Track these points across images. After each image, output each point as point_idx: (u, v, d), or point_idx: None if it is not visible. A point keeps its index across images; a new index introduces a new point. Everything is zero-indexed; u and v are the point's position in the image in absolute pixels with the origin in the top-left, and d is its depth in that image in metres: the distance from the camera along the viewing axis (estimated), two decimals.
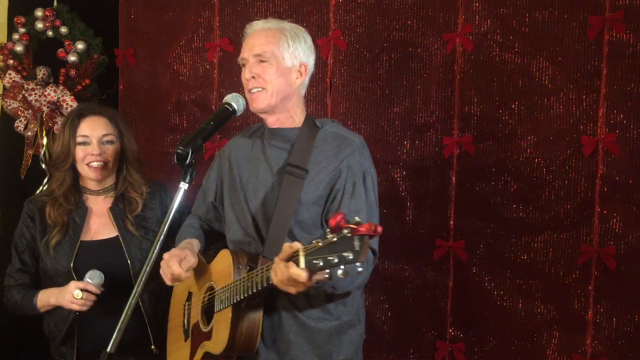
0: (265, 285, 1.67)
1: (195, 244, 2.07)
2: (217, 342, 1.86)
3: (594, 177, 2.40)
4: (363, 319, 2.05)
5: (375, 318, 2.82)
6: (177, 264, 1.88)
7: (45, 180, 3.26)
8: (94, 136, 2.25)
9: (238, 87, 3.01)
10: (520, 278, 2.54)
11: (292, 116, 1.97)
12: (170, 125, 3.23)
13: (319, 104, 2.87)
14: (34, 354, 3.32)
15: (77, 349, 2.21)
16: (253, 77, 1.92)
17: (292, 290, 1.59)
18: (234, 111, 1.88)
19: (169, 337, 2.22)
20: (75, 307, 2.12)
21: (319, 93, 2.88)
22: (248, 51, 1.95)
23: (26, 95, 3.20)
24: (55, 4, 3.30)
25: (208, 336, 1.93)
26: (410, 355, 2.77)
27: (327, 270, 1.46)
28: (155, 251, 1.66)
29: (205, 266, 2.04)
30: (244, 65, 1.97)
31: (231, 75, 3.07)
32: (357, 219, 1.42)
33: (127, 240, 2.24)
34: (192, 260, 1.93)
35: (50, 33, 3.27)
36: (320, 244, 1.45)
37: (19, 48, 3.25)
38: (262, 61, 1.91)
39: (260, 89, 1.91)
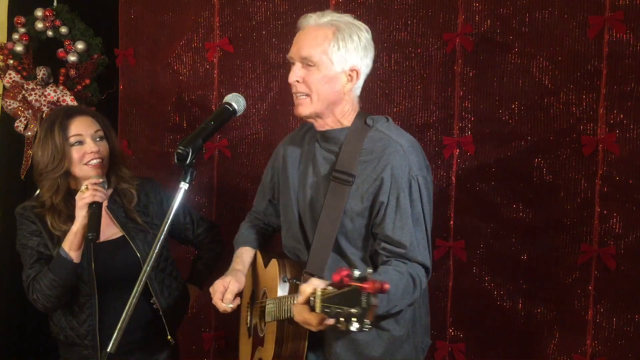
0: (291, 317, 1.65)
1: (247, 254, 2.07)
2: (266, 354, 1.88)
3: (594, 177, 2.40)
4: (419, 330, 1.95)
5: None
6: (219, 302, 1.91)
7: None
8: (87, 134, 2.22)
9: (238, 87, 3.04)
10: (520, 278, 2.54)
11: (340, 120, 1.85)
12: (170, 125, 3.23)
13: None
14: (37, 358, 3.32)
15: (100, 349, 2.19)
16: (297, 81, 1.79)
17: (313, 329, 1.57)
18: (234, 111, 1.87)
19: (240, 328, 2.26)
20: (87, 199, 2.07)
21: None
22: (296, 51, 1.79)
23: (26, 95, 3.20)
24: (55, 4, 3.30)
25: (262, 342, 1.96)
26: None
27: (342, 319, 1.38)
28: (156, 251, 1.66)
29: (262, 269, 2.06)
30: (292, 63, 1.82)
31: (231, 75, 3.07)
32: (357, 273, 1.34)
33: (132, 237, 2.24)
34: (235, 288, 1.93)
35: (50, 33, 3.27)
36: (334, 291, 1.40)
37: (19, 48, 3.25)
38: (308, 65, 1.76)
39: (304, 95, 1.79)
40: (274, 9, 2.95)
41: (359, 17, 2.74)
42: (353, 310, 1.33)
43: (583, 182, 2.42)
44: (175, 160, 1.69)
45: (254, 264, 2.13)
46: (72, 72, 3.24)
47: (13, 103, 3.24)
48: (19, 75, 3.24)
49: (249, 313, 2.18)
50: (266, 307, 1.92)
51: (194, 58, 3.15)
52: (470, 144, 2.59)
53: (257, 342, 2.03)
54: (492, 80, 2.56)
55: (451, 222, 2.64)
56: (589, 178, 2.41)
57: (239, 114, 1.89)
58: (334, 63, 1.76)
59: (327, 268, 1.76)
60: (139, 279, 1.67)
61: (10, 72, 3.24)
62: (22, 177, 3.33)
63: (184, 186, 1.68)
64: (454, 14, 2.61)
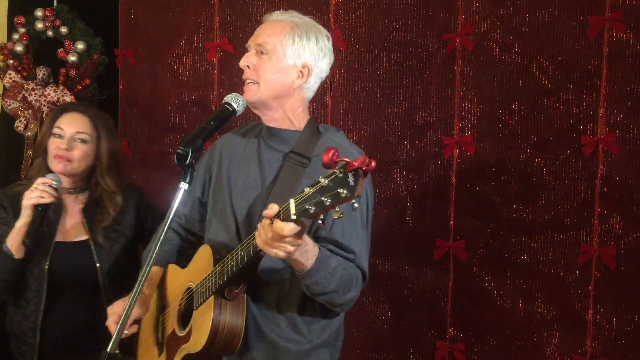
0: (251, 254, 1.55)
1: (155, 275, 1.98)
2: (198, 338, 1.74)
3: (594, 177, 2.40)
4: (339, 345, 1.88)
5: (375, 318, 2.82)
6: (113, 325, 1.84)
7: None
8: (68, 132, 2.22)
9: (238, 87, 3.02)
10: (520, 278, 2.54)
11: (290, 118, 1.84)
12: (170, 125, 3.23)
13: (319, 104, 2.87)
14: None
15: (39, 347, 2.19)
16: (248, 67, 1.81)
17: (281, 253, 1.45)
18: (234, 111, 1.86)
19: (141, 357, 2.07)
20: (32, 200, 2.06)
21: (319, 93, 2.84)
22: (253, 39, 1.81)
23: (26, 95, 3.20)
24: (55, 4, 3.30)
25: (187, 338, 1.81)
26: (410, 355, 2.77)
27: (321, 217, 1.33)
28: (156, 250, 1.65)
29: (180, 273, 1.96)
30: (248, 51, 1.85)
31: (231, 75, 3.07)
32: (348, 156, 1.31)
33: (96, 244, 2.22)
34: (136, 314, 1.87)
35: (50, 33, 3.27)
36: (310, 190, 1.33)
37: (19, 48, 3.25)
38: (262, 52, 1.78)
39: (253, 82, 1.81)
40: (274, 9, 2.94)
41: (358, 17, 2.79)
42: (340, 191, 1.28)
43: (583, 182, 2.42)
44: (175, 161, 1.68)
45: (162, 281, 2.02)
46: (72, 72, 3.24)
47: (13, 103, 3.24)
48: (19, 75, 3.25)
49: (159, 330, 2.00)
50: (195, 293, 1.80)
51: (194, 58, 3.15)
52: (470, 144, 2.59)
53: (178, 345, 1.85)
54: (492, 80, 2.56)
55: (451, 222, 2.64)
56: (589, 178, 2.41)
57: (239, 114, 1.87)
58: (287, 56, 1.77)
59: None
60: (139, 280, 1.66)
61: (10, 72, 3.24)
62: (22, 177, 3.33)
63: (183, 186, 1.67)
64: (454, 14, 2.61)
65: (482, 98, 2.58)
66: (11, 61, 3.28)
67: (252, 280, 1.71)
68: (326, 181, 1.31)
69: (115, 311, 1.88)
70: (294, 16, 1.82)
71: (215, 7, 3.07)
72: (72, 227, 2.27)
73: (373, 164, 1.29)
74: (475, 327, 2.64)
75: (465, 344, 2.64)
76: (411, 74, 2.71)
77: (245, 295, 1.73)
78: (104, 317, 2.15)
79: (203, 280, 1.76)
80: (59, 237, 2.23)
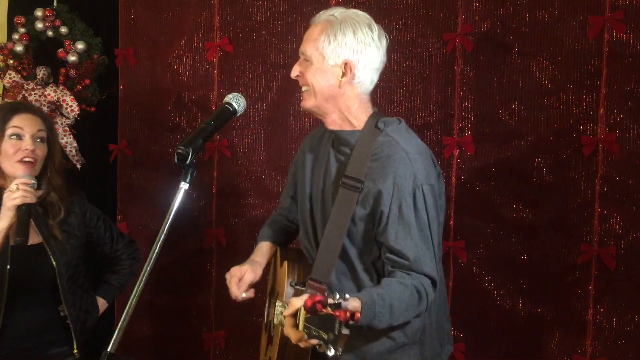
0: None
1: (267, 248, 2.06)
2: (273, 355, 1.86)
3: (594, 177, 2.40)
4: (429, 340, 1.86)
5: None
6: (234, 286, 1.92)
7: None
8: (28, 131, 2.14)
9: (238, 87, 3.04)
10: (520, 278, 2.54)
11: (348, 117, 1.81)
12: (170, 125, 3.23)
13: None
14: None
15: None
16: (298, 76, 1.83)
17: (301, 345, 1.50)
18: (235, 111, 1.85)
19: (264, 324, 2.23)
20: (17, 200, 2.00)
21: None
22: (300, 47, 1.84)
23: (26, 95, 3.19)
24: (55, 4, 3.30)
25: (272, 341, 1.93)
26: None
27: (321, 342, 1.35)
28: (156, 250, 1.65)
29: (279, 268, 2.03)
30: None
31: (231, 75, 3.07)
32: (335, 298, 1.31)
33: (51, 246, 2.18)
34: (250, 279, 1.93)
35: (50, 33, 3.27)
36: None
37: (19, 48, 3.24)
38: (305, 60, 1.80)
39: (306, 88, 1.82)
40: (274, 9, 2.95)
41: None
42: (325, 336, 1.31)
43: (583, 182, 2.42)
44: (176, 160, 1.68)
45: (275, 260, 2.11)
46: (72, 72, 3.24)
47: None
48: (19, 75, 3.24)
49: (266, 309, 2.15)
50: (275, 308, 1.91)
51: (194, 58, 3.15)
52: (470, 144, 2.60)
53: (269, 339, 2.00)
54: (492, 80, 2.56)
55: (451, 222, 2.64)
56: (589, 178, 2.41)
57: (239, 114, 1.87)
58: (326, 57, 1.76)
59: (333, 275, 1.75)
60: (139, 279, 1.65)
61: (10, 72, 3.23)
62: None
63: (184, 186, 1.67)
64: (454, 14, 2.61)
65: (482, 98, 2.59)
66: (11, 61, 3.27)
67: None
68: (327, 311, 1.32)
69: (234, 274, 1.94)
70: (330, 15, 1.80)
71: (215, 7, 3.07)
72: None
73: (357, 316, 1.31)
74: (475, 327, 2.64)
75: (465, 344, 2.65)
76: (411, 74, 2.71)
77: None
78: (62, 317, 2.21)
79: (280, 303, 1.86)
80: (12, 241, 2.14)
